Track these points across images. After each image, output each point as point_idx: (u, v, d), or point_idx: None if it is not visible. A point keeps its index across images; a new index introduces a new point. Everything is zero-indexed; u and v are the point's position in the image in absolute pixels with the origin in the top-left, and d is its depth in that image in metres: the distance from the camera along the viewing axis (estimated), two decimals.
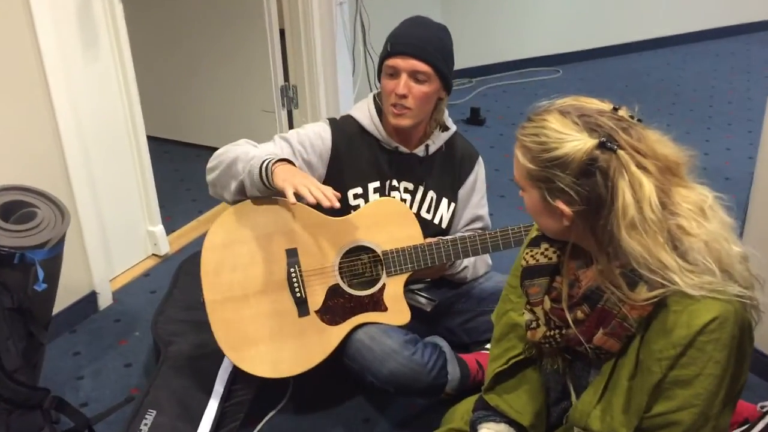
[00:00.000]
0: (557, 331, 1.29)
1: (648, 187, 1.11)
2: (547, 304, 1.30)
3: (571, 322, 1.25)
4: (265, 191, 1.81)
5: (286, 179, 1.74)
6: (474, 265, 2.10)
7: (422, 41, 1.85)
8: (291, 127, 3.53)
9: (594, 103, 1.18)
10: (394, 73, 1.87)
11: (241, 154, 1.83)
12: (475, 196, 2.10)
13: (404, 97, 1.86)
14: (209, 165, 1.90)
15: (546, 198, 1.18)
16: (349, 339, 1.88)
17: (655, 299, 1.14)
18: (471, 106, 4.08)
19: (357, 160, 1.98)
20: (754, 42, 5.33)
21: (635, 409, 1.20)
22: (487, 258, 2.13)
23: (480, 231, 2.12)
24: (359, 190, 1.97)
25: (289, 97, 3.44)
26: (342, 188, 1.92)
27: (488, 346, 2.06)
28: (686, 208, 1.14)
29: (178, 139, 3.84)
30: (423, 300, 2.01)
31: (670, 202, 1.14)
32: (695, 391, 1.15)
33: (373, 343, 1.84)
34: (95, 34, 2.40)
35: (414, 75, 1.86)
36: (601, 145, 1.11)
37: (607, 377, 1.25)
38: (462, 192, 2.08)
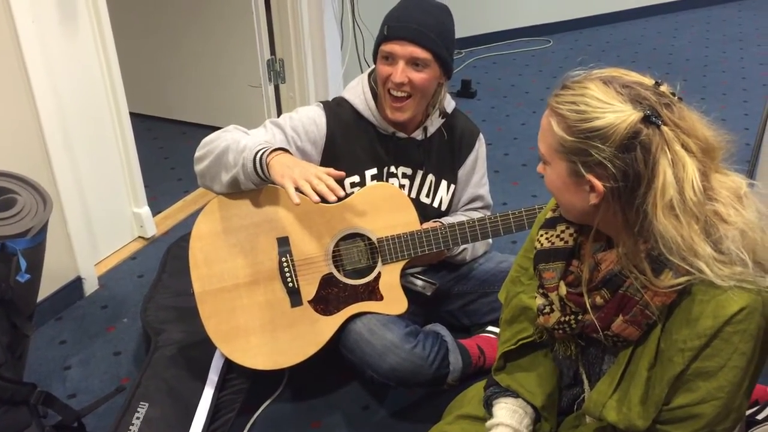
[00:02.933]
0: (572, 317, 1.23)
1: (691, 167, 1.04)
2: (563, 289, 1.24)
3: (589, 308, 1.19)
4: (261, 184, 1.72)
5: (284, 174, 1.63)
6: (473, 246, 2.03)
7: (421, 25, 1.74)
8: (278, 102, 3.44)
9: (635, 76, 1.12)
10: (391, 59, 1.78)
11: (231, 143, 1.72)
12: (476, 175, 2.02)
13: (402, 84, 1.77)
14: (197, 154, 1.79)
15: (577, 172, 1.10)
16: (348, 330, 1.82)
17: (680, 286, 1.08)
18: (462, 78, 4.00)
19: (353, 147, 1.88)
20: (746, 9, 5.26)
21: (654, 401, 1.15)
22: None
23: (480, 210, 2.06)
24: (356, 179, 1.88)
25: (276, 71, 3.34)
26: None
27: (490, 328, 2.03)
28: (725, 194, 1.08)
29: (161, 116, 3.71)
30: (422, 284, 1.94)
31: (708, 186, 1.08)
32: (719, 384, 1.10)
33: (373, 336, 1.77)
34: (73, 7, 2.28)
35: (412, 61, 1.76)
36: (646, 119, 1.04)
37: (624, 366, 1.20)
38: (462, 172, 2.00)
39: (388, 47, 1.77)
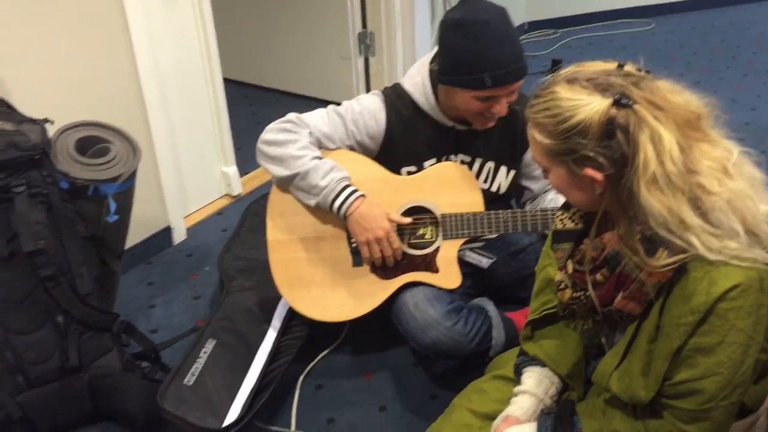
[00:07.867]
0: (582, 293, 1.28)
1: (668, 138, 1.06)
2: (570, 267, 1.29)
3: (590, 285, 1.23)
4: None
5: (360, 240, 1.83)
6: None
7: (519, 60, 1.71)
8: (367, 75, 3.55)
9: (598, 65, 1.14)
10: (493, 99, 1.76)
11: (289, 159, 1.83)
12: None
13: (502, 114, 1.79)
14: (260, 147, 1.89)
15: (573, 171, 1.14)
16: (396, 301, 1.90)
17: (675, 265, 1.10)
18: (553, 58, 3.97)
19: (412, 140, 1.91)
20: None
21: (654, 373, 1.18)
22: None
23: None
24: (413, 168, 1.94)
25: (367, 45, 3.44)
26: (396, 166, 1.92)
27: None
28: (706, 165, 1.09)
29: (257, 84, 3.92)
30: (479, 257, 2.00)
31: (689, 160, 1.08)
32: (718, 359, 1.11)
33: (417, 311, 1.85)
34: None
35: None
36: (616, 103, 1.07)
37: (630, 339, 1.23)
38: (528, 155, 2.00)
39: (491, 92, 1.73)
